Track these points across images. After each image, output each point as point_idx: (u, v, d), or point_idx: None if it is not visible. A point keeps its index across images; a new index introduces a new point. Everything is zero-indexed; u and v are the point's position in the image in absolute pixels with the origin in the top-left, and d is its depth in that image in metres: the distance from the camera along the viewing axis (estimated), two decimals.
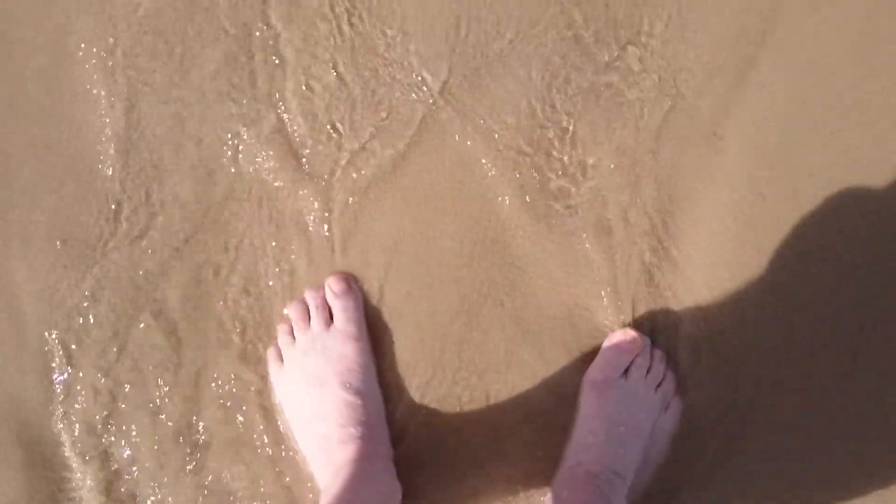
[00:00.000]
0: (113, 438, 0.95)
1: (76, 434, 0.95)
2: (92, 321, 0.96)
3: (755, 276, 0.95)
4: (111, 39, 0.96)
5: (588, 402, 0.93)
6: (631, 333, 0.93)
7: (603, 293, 0.95)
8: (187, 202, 0.96)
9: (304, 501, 0.95)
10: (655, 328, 0.95)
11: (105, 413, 0.95)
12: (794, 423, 0.95)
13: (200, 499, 0.95)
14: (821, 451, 0.95)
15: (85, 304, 0.95)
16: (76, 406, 0.95)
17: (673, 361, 0.95)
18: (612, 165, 0.95)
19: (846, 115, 0.94)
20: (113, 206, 0.96)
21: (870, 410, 0.95)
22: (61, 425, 0.95)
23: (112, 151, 0.96)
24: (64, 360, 0.95)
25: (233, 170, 0.96)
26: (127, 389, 0.95)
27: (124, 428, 0.95)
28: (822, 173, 0.94)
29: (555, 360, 0.96)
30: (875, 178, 0.94)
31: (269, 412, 0.96)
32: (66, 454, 0.95)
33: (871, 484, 0.95)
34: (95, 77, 0.96)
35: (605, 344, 0.94)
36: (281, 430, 0.95)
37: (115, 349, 0.95)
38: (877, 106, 0.94)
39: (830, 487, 0.95)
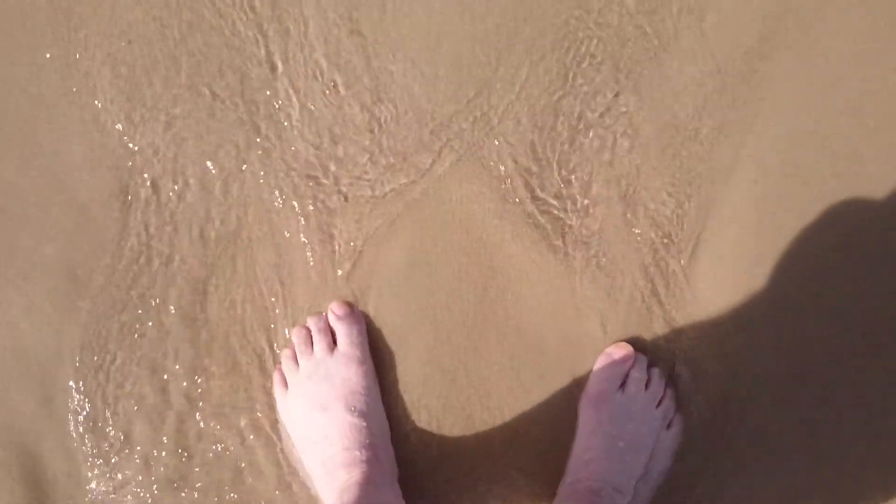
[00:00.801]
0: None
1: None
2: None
3: (756, 291, 0.96)
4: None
5: (586, 418, 0.94)
6: (623, 345, 0.95)
7: (601, 313, 0.97)
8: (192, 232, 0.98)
9: None
10: (655, 346, 0.97)
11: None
12: (797, 441, 0.96)
13: None
14: (825, 468, 0.96)
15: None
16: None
17: (674, 379, 0.96)
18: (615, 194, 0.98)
19: (848, 124, 0.96)
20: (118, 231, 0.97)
21: (876, 425, 0.96)
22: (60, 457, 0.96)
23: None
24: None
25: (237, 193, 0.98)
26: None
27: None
28: (822, 182, 0.96)
29: (555, 380, 0.97)
30: (878, 185, 0.96)
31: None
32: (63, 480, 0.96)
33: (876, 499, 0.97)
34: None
35: (599, 358, 0.96)
36: (286, 452, 0.97)
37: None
38: (879, 113, 0.96)
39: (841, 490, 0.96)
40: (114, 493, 0.96)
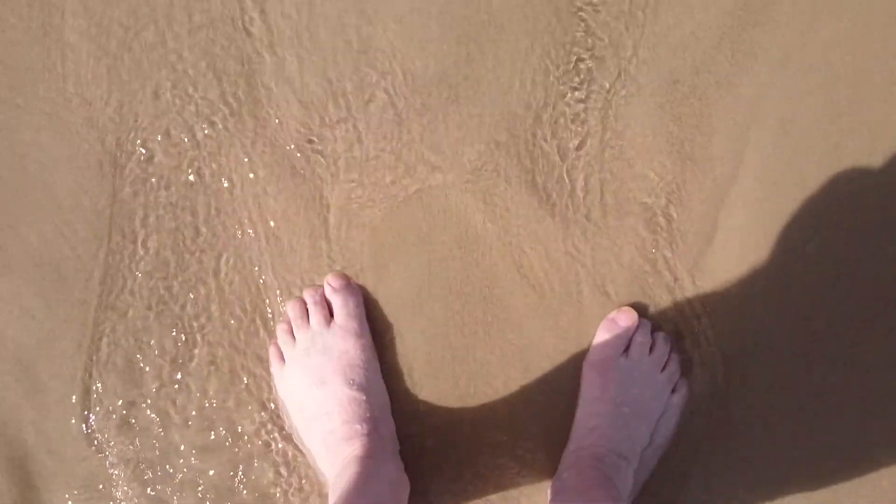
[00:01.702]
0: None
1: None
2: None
3: (763, 257, 0.94)
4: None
5: (589, 384, 0.92)
6: (627, 310, 0.93)
7: (604, 279, 0.95)
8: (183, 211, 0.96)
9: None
10: (659, 311, 0.95)
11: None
12: (800, 404, 0.94)
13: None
14: (827, 429, 0.94)
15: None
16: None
17: (679, 343, 0.95)
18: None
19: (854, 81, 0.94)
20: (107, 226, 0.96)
21: (875, 388, 0.94)
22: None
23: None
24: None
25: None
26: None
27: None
28: (828, 142, 0.94)
29: (559, 348, 0.95)
30: (874, 173, 0.94)
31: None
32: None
33: (882, 455, 0.95)
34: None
35: (602, 323, 0.94)
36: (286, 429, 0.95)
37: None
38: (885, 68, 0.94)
39: (839, 466, 0.95)
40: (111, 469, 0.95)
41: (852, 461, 0.94)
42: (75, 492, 0.95)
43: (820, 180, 0.94)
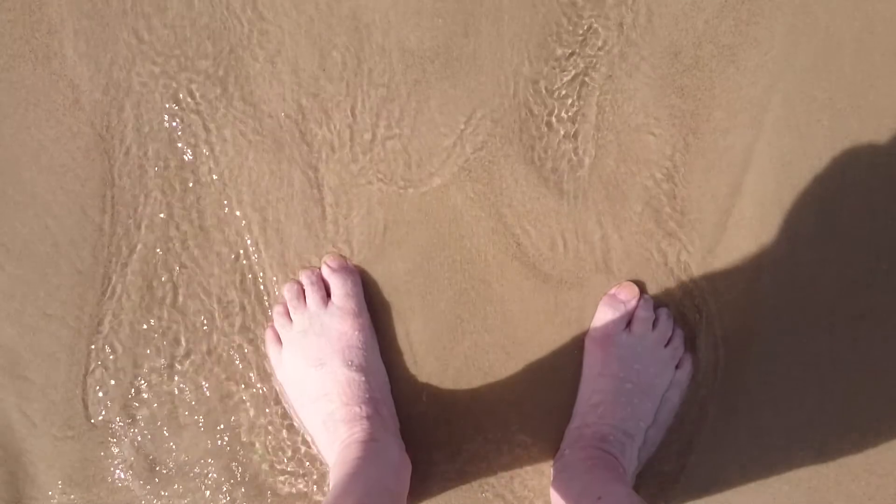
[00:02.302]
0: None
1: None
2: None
3: (762, 236, 0.93)
4: None
5: (592, 360, 0.91)
6: (628, 284, 0.92)
7: (605, 255, 0.94)
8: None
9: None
10: (662, 287, 0.94)
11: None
12: (803, 378, 0.94)
13: None
14: (832, 402, 0.94)
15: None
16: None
17: (682, 320, 0.93)
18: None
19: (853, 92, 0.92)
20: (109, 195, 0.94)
21: (880, 359, 0.94)
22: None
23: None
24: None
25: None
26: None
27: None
28: (835, 110, 0.92)
29: (560, 326, 0.94)
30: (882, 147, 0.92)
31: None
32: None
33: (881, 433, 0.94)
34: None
35: (604, 299, 0.93)
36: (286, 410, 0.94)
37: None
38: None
39: (844, 439, 0.94)
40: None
41: (858, 433, 0.94)
42: (69, 474, 0.94)
43: (829, 154, 0.92)
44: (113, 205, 0.94)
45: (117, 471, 0.94)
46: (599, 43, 0.93)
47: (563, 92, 0.93)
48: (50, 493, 0.94)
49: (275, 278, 0.94)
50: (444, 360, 0.94)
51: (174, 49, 0.93)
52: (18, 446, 0.94)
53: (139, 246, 0.94)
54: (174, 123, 0.93)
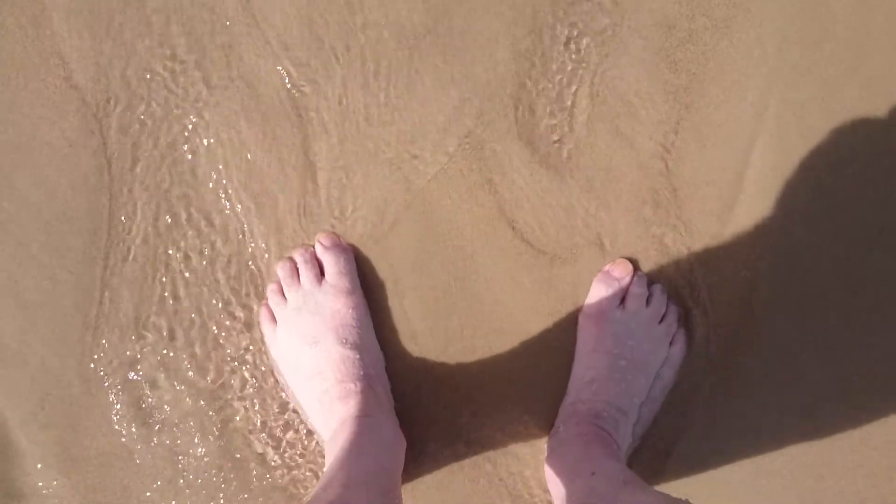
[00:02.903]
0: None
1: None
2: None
3: (756, 212, 0.92)
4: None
5: (585, 337, 0.91)
6: (621, 261, 0.91)
7: (599, 232, 0.93)
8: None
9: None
10: (656, 264, 0.93)
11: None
12: (798, 352, 0.93)
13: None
14: (826, 376, 0.94)
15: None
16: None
17: (676, 296, 0.93)
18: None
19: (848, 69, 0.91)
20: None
21: (876, 333, 0.93)
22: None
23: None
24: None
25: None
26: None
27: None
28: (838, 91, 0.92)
29: (555, 303, 0.94)
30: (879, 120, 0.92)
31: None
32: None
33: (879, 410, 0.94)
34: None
35: (597, 276, 0.92)
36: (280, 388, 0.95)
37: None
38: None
39: (838, 414, 0.94)
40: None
41: (852, 408, 0.94)
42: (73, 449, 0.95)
43: (825, 128, 0.92)
44: (110, 179, 0.94)
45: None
46: (593, 16, 0.92)
47: (555, 66, 0.92)
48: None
49: (267, 255, 0.94)
50: (438, 337, 0.94)
51: (169, 26, 0.92)
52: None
53: (138, 216, 0.94)
54: (166, 93, 0.93)
